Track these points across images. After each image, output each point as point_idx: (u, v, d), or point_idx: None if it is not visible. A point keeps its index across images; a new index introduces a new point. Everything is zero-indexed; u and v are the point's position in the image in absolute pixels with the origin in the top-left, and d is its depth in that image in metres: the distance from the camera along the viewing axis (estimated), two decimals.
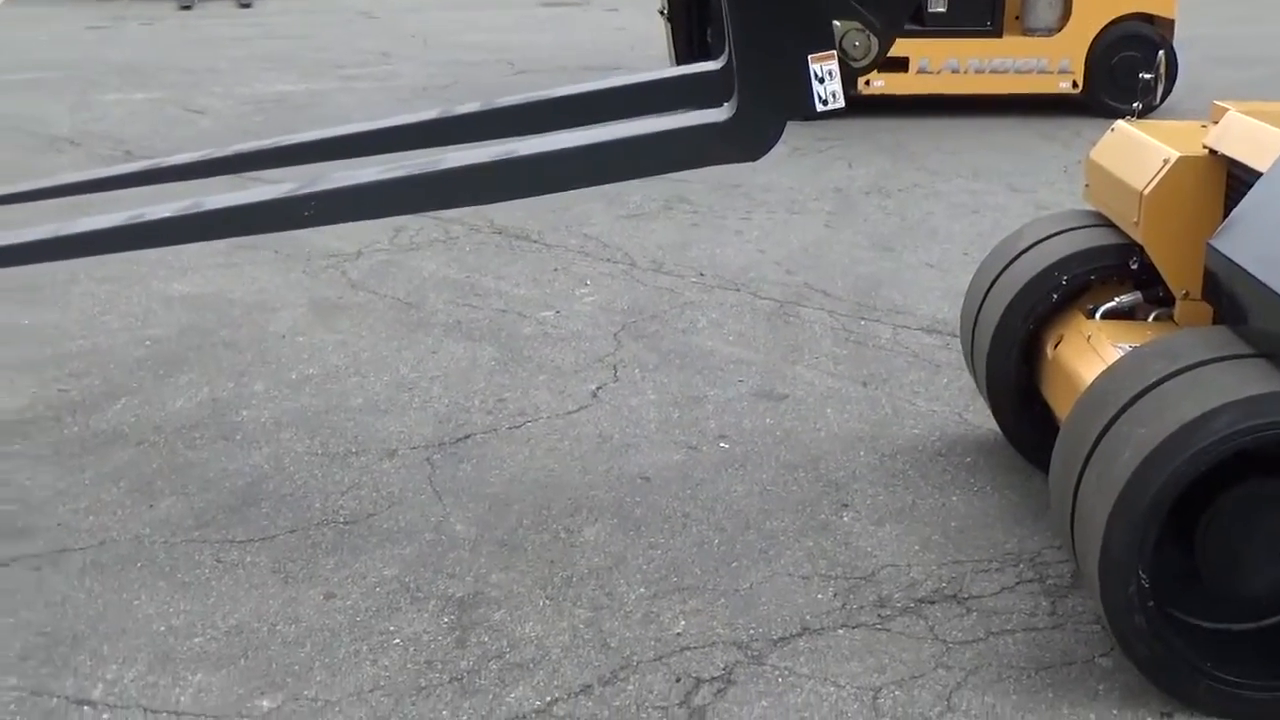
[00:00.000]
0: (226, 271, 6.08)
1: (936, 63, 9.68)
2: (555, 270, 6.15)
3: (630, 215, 6.93)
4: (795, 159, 8.29)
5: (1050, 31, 9.81)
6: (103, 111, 10.65)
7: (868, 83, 9.06)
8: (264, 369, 4.93)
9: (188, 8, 19.61)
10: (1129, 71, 9.22)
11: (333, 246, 6.38)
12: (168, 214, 2.68)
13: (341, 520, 3.77)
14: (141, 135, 9.57)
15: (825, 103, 2.74)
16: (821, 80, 2.71)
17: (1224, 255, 3.05)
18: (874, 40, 2.87)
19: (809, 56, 2.69)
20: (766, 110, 2.73)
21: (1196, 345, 2.97)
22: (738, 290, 5.85)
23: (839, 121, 8.72)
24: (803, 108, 2.73)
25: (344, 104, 10.95)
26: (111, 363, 4.99)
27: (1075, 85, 9.75)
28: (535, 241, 6.57)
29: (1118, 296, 3.71)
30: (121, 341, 5.22)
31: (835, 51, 2.73)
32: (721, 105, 2.81)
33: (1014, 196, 7.52)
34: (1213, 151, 3.42)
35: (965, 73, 9.77)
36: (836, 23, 2.79)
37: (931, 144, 8.98)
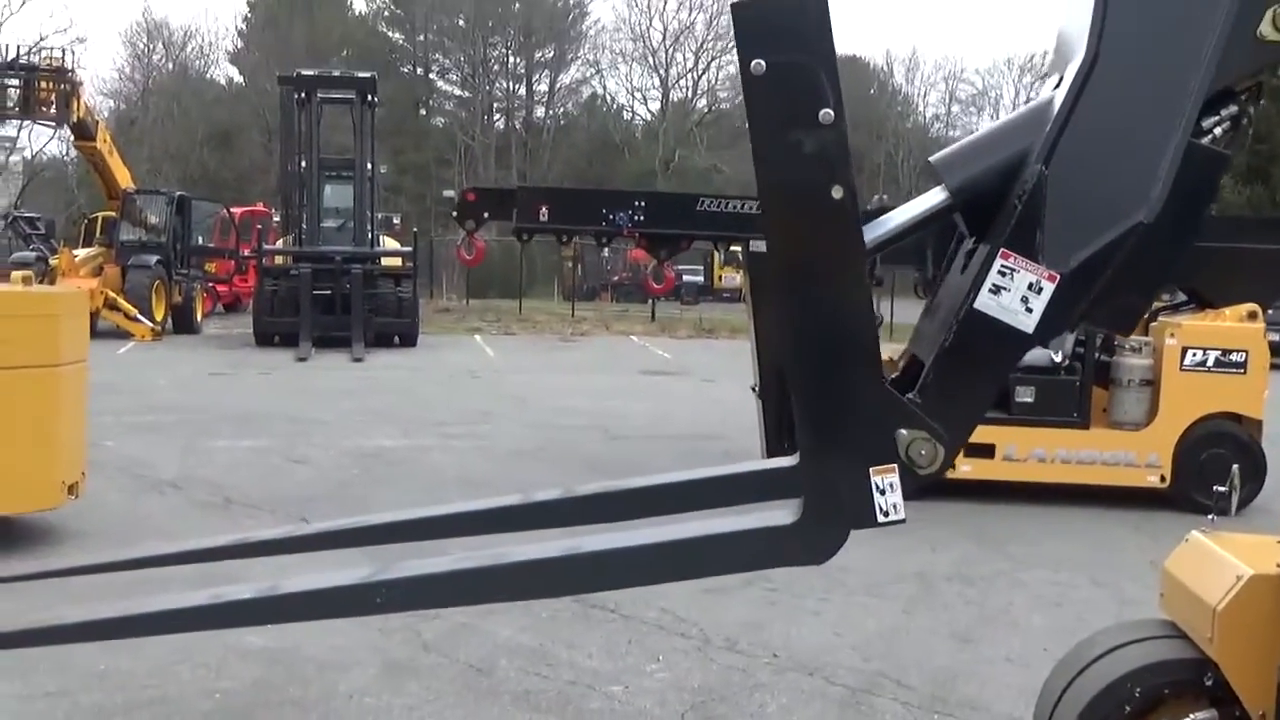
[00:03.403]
0: (304, 625, 6.13)
1: (1023, 451, 9.76)
2: (629, 643, 6.13)
3: (708, 590, 6.92)
4: (878, 538, 8.18)
5: (1137, 426, 9.89)
6: (209, 457, 11.08)
7: (954, 466, 9.14)
8: None
9: (304, 360, 20.66)
10: (1218, 469, 9.22)
11: None
12: (247, 595, 2.76)
13: None
14: (242, 483, 9.91)
15: (886, 514, 2.77)
16: (883, 492, 2.76)
17: None
18: (940, 449, 2.91)
19: (870, 469, 2.76)
20: (829, 519, 2.78)
21: None
22: (810, 675, 5.76)
23: (924, 503, 8.75)
24: (864, 519, 2.77)
25: (439, 462, 11.27)
26: (178, 715, 5.01)
27: (1163, 480, 9.73)
28: (611, 611, 6.58)
29: (1192, 713, 3.61)
30: (191, 693, 5.26)
31: (896, 464, 2.79)
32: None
33: (1098, 590, 7.42)
34: None
35: (1052, 462, 9.83)
36: (903, 430, 2.85)
37: (1015, 531, 8.95)
